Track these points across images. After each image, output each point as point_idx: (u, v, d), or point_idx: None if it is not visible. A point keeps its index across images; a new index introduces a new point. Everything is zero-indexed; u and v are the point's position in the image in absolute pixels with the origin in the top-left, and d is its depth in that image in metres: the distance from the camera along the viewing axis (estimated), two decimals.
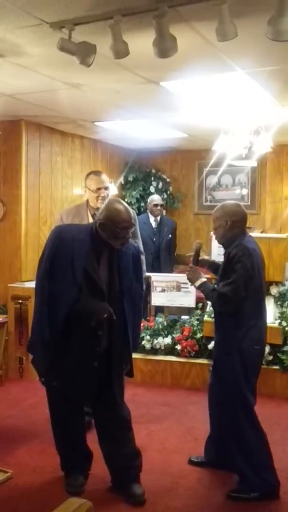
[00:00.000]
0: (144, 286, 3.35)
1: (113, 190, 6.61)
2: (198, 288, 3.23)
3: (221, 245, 3.27)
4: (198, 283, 3.19)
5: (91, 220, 3.84)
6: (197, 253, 3.32)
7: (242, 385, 3.02)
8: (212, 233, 3.31)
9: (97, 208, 3.83)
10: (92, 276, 2.82)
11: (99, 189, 3.78)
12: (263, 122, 5.22)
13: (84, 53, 2.78)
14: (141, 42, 2.90)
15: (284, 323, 4.76)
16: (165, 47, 2.60)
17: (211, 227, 7.38)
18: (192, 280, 3.24)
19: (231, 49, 3.16)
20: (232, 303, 2.99)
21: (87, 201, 3.93)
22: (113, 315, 2.80)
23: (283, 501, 3.02)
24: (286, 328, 4.77)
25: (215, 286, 3.17)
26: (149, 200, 6.71)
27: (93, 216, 3.81)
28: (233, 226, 3.11)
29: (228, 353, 3.04)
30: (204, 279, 3.20)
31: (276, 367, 4.67)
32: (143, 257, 4.09)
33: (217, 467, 3.28)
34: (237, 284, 2.95)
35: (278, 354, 4.68)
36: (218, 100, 4.52)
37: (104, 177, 3.92)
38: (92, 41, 2.81)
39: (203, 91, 4.21)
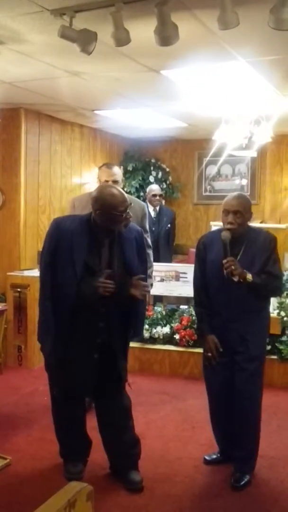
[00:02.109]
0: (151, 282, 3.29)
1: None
2: (252, 282, 2.93)
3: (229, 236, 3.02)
4: (250, 276, 2.93)
5: None
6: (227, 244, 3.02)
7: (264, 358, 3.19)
8: (229, 225, 3.01)
9: None
10: (93, 268, 2.82)
11: (106, 181, 3.77)
12: (263, 112, 5.21)
13: (85, 41, 2.77)
14: (143, 30, 2.88)
15: (282, 313, 4.78)
16: (166, 35, 2.59)
17: (210, 217, 7.32)
18: (243, 275, 2.93)
19: (233, 38, 3.14)
20: (281, 281, 3.21)
21: None
22: (108, 286, 2.76)
23: (280, 490, 3.05)
24: (285, 318, 4.79)
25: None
26: (148, 190, 6.70)
27: None
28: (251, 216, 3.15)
29: (262, 330, 3.16)
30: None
31: (274, 357, 4.70)
32: (150, 251, 4.08)
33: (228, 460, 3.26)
34: (280, 264, 3.14)
35: (277, 344, 4.71)
36: (218, 89, 4.50)
37: (116, 170, 3.92)
38: (93, 28, 2.79)
39: (204, 80, 4.20)
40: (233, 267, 2.92)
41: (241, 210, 2.98)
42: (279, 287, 3.19)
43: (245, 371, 3.04)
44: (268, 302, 3.28)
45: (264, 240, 3.07)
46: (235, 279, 2.94)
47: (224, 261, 2.94)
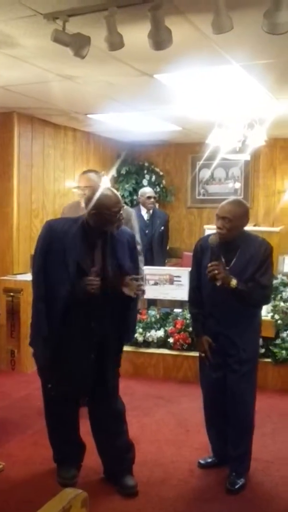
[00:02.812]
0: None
1: (105, 183, 6.61)
2: (236, 288, 2.91)
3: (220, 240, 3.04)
4: (235, 282, 2.91)
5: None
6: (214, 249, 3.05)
7: (257, 361, 3.19)
8: (217, 230, 3.03)
9: None
10: (85, 270, 2.82)
11: (78, 187, 4.06)
12: (257, 116, 5.23)
13: (78, 45, 2.76)
14: (136, 34, 2.88)
15: (276, 316, 4.79)
16: (160, 39, 2.58)
17: (204, 221, 7.35)
18: (227, 280, 2.92)
19: (226, 42, 3.15)
20: (271, 292, 3.17)
21: None
22: (93, 283, 2.76)
23: (274, 493, 3.04)
24: (279, 321, 4.80)
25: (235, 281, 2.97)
26: (140, 192, 6.66)
27: None
28: (246, 224, 3.10)
29: (254, 332, 3.16)
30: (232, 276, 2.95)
31: (268, 359, 4.70)
32: (141, 257, 4.13)
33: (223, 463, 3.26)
34: (272, 274, 3.12)
35: (270, 347, 4.71)
36: (212, 93, 4.51)
37: (89, 176, 4.07)
38: (87, 32, 2.79)
39: (197, 84, 4.20)
40: (216, 271, 2.92)
41: (229, 216, 2.96)
42: (266, 297, 3.10)
43: (236, 373, 3.06)
44: (260, 308, 3.25)
45: (259, 248, 3.04)
46: (218, 283, 2.94)
47: (209, 265, 2.96)
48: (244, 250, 3.04)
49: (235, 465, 3.12)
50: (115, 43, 2.66)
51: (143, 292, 2.92)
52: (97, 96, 4.74)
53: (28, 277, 4.71)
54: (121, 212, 2.86)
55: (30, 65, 3.74)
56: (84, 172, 4.21)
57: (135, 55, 3.40)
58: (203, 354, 3.16)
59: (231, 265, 3.03)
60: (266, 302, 3.20)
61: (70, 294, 2.77)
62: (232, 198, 3.14)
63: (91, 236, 2.87)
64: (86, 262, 2.85)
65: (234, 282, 2.92)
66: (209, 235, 3.21)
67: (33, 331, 2.95)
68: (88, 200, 2.83)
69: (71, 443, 3.16)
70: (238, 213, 2.99)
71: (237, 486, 3.04)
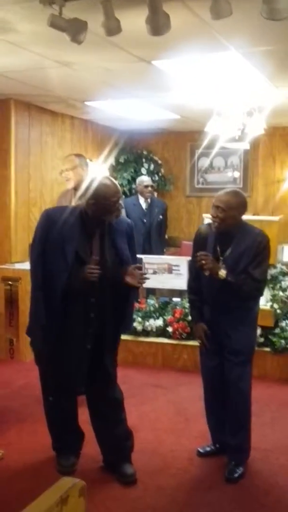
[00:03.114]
0: None
1: (103, 171, 6.57)
2: (225, 279, 2.92)
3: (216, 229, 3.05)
4: (223, 273, 2.92)
5: (73, 201, 3.94)
6: (206, 239, 3.11)
7: (251, 353, 3.17)
8: (211, 218, 3.04)
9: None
10: (84, 259, 2.81)
11: (62, 171, 4.21)
12: (256, 104, 5.18)
13: (75, 30, 2.72)
14: (134, 20, 2.84)
15: (275, 306, 4.79)
16: (158, 24, 2.54)
17: (203, 210, 7.32)
18: (214, 270, 2.93)
19: (225, 27, 3.10)
20: (264, 286, 3.10)
21: None
22: (93, 272, 2.75)
23: (273, 482, 3.05)
24: (278, 311, 4.79)
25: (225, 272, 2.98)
26: (138, 181, 6.62)
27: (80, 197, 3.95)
28: (242, 215, 3.08)
29: (248, 324, 3.13)
30: (223, 267, 2.96)
31: (267, 349, 4.71)
32: None
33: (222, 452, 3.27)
34: (266, 268, 3.09)
35: (269, 336, 4.72)
36: (211, 80, 4.47)
37: (69, 158, 4.28)
38: (84, 17, 2.74)
39: (195, 70, 4.16)
40: (203, 261, 2.93)
41: (222, 206, 2.95)
42: (257, 290, 3.06)
43: (229, 361, 3.08)
44: (256, 301, 3.22)
45: (254, 240, 3.01)
46: (206, 273, 2.97)
47: (197, 254, 2.97)
48: (239, 241, 3.02)
49: (234, 454, 3.13)
50: (113, 28, 2.62)
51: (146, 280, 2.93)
52: (94, 82, 4.69)
53: (26, 265, 4.69)
54: (120, 201, 2.85)
55: (26, 51, 3.70)
56: (68, 155, 4.33)
57: (132, 41, 3.35)
58: (199, 341, 3.20)
59: (225, 256, 3.02)
60: (258, 296, 3.14)
61: (68, 283, 2.76)
62: (229, 188, 3.13)
63: (89, 225, 2.86)
64: (85, 252, 2.83)
65: (222, 273, 2.92)
66: (209, 224, 3.20)
67: (31, 320, 2.94)
68: (87, 189, 2.81)
69: (69, 431, 3.17)
70: (233, 203, 2.97)
71: (236, 475, 3.05)
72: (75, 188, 4.13)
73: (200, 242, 3.15)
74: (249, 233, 3.05)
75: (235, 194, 3.04)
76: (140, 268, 2.89)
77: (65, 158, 4.34)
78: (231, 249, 3.03)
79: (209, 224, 3.17)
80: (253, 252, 2.98)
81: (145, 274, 2.92)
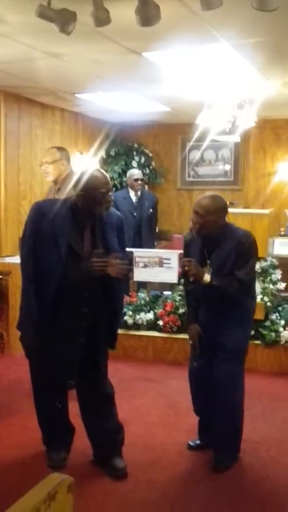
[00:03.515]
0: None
1: (94, 164, 6.53)
2: (210, 283, 2.93)
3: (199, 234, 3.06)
4: (208, 277, 2.93)
5: (54, 195, 3.95)
6: (189, 245, 3.14)
7: (244, 350, 3.17)
8: (191, 224, 3.07)
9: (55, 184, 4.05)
10: (77, 251, 2.79)
11: (41, 163, 4.15)
12: (247, 96, 5.16)
13: (64, 21, 2.69)
14: (124, 10, 2.81)
15: (266, 299, 4.80)
16: (147, 15, 2.52)
17: (193, 203, 7.31)
18: (198, 276, 2.96)
19: (216, 19, 3.08)
20: (249, 286, 3.10)
21: None
22: (102, 265, 2.74)
23: (264, 474, 3.06)
24: (268, 304, 4.80)
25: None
26: (128, 174, 6.58)
27: (58, 190, 3.97)
28: (223, 219, 3.07)
29: (242, 324, 3.12)
30: (206, 272, 2.98)
31: (258, 342, 4.72)
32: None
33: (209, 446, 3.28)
34: (252, 268, 3.09)
35: (260, 329, 4.73)
36: (201, 72, 4.44)
37: (49, 151, 4.21)
38: (72, 8, 2.71)
39: (186, 62, 4.14)
40: (186, 268, 2.97)
41: (200, 212, 2.96)
42: (242, 290, 3.02)
43: (221, 360, 3.08)
44: (250, 299, 3.20)
45: (238, 242, 3.00)
46: (191, 279, 3.03)
47: (182, 260, 3.02)
48: (224, 244, 3.03)
49: (221, 447, 3.14)
50: (101, 18, 2.59)
51: (129, 272, 2.90)
52: (84, 74, 4.65)
53: (17, 259, 4.65)
54: (110, 193, 2.83)
55: (15, 42, 3.65)
56: (50, 148, 4.28)
57: (122, 32, 3.32)
58: (191, 342, 3.21)
59: (212, 259, 3.04)
60: (243, 296, 3.10)
61: (62, 277, 2.73)
62: (209, 193, 3.10)
63: (80, 218, 2.83)
64: (77, 244, 2.81)
65: (207, 277, 2.95)
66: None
67: (22, 314, 2.91)
68: (77, 181, 2.79)
69: (60, 426, 3.15)
70: (212, 209, 2.97)
71: (222, 465, 3.06)
72: (55, 182, 4.10)
73: (186, 248, 3.20)
74: (234, 235, 3.04)
75: (214, 199, 3.02)
76: (121, 258, 2.84)
77: (47, 151, 4.25)
78: (216, 252, 3.04)
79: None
80: (238, 254, 2.99)
81: (124, 264, 2.84)
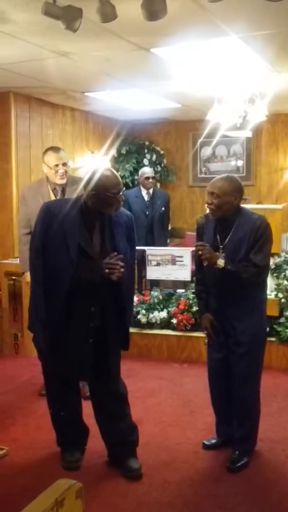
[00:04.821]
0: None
1: (105, 163, 6.52)
2: (225, 268, 2.87)
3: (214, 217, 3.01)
4: (222, 262, 2.86)
5: (52, 195, 3.88)
6: (203, 228, 3.06)
7: (260, 343, 3.12)
8: (207, 205, 3.02)
9: (60, 184, 3.89)
10: (87, 252, 2.77)
11: (56, 165, 3.84)
12: (257, 90, 5.09)
13: (70, 18, 2.66)
14: (130, 5, 2.77)
15: (280, 295, 4.73)
16: (154, 9, 2.48)
17: (206, 200, 7.26)
18: (212, 260, 2.89)
19: (223, 11, 3.03)
20: (266, 271, 3.05)
21: (47, 176, 3.96)
22: (116, 268, 2.70)
23: (280, 473, 3.02)
24: (282, 300, 4.74)
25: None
26: (140, 173, 6.55)
27: (53, 191, 3.89)
28: (239, 201, 3.01)
29: (254, 314, 3.05)
30: (221, 256, 2.91)
31: (273, 339, 4.65)
32: None
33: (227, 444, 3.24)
34: (268, 253, 3.00)
35: (275, 326, 4.66)
36: (211, 67, 4.39)
37: (63, 154, 3.96)
38: (78, 5, 2.68)
39: (195, 57, 4.09)
40: (200, 252, 2.90)
41: (217, 192, 2.90)
42: (257, 275, 2.95)
43: (235, 354, 3.03)
44: (262, 289, 3.13)
45: (253, 226, 2.93)
46: (204, 263, 2.95)
47: (194, 245, 2.95)
48: (238, 228, 2.96)
49: (238, 444, 3.11)
50: (107, 14, 2.55)
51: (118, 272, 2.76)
52: (93, 73, 4.63)
53: None
54: (121, 194, 2.79)
55: (22, 42, 3.64)
56: (55, 150, 3.99)
57: (130, 28, 3.29)
58: (205, 332, 3.16)
59: (225, 243, 2.97)
60: (259, 281, 3.03)
61: (73, 277, 2.71)
62: (225, 174, 3.06)
63: (89, 217, 2.80)
64: (87, 244, 2.79)
65: (221, 262, 2.87)
66: (206, 214, 3.14)
67: (31, 315, 2.90)
68: (88, 181, 2.75)
69: (73, 426, 3.13)
70: (228, 189, 2.92)
71: (238, 465, 3.02)
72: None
73: (199, 233, 3.08)
74: (248, 219, 2.98)
75: (229, 179, 2.98)
76: (121, 259, 2.75)
77: (60, 152, 3.94)
78: (230, 236, 2.97)
79: (206, 214, 3.12)
80: (252, 238, 2.92)
81: (115, 265, 2.73)
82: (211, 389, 3.26)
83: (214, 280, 3.03)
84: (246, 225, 2.95)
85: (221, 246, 2.98)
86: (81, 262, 2.72)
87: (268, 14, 3.12)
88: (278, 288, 4.77)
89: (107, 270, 2.70)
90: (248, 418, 3.12)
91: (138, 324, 5.06)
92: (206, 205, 2.99)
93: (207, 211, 3.04)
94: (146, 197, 6.40)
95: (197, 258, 3.13)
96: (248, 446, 3.14)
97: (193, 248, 3.25)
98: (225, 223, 2.99)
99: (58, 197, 3.84)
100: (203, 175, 7.60)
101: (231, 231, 2.97)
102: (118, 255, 2.74)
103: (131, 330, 4.88)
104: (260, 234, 2.93)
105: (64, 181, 3.89)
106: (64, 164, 3.86)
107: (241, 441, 3.11)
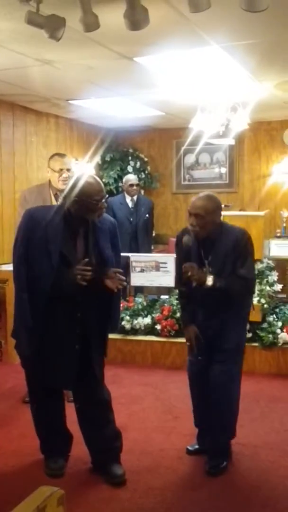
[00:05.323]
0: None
1: (89, 170, 6.53)
2: (214, 286, 2.87)
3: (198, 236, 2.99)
4: (211, 281, 2.87)
5: (53, 200, 3.87)
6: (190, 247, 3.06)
7: (241, 351, 3.14)
8: (191, 228, 2.97)
9: (61, 190, 3.85)
10: (69, 259, 2.77)
11: (61, 169, 3.86)
12: (239, 99, 5.17)
13: (53, 27, 2.69)
14: (113, 15, 2.81)
15: (262, 301, 4.78)
16: (136, 19, 2.52)
17: (190, 221, 7.35)
18: (201, 280, 2.90)
19: (205, 22, 3.08)
20: (254, 282, 3.09)
21: (49, 181, 3.97)
22: (86, 274, 2.71)
23: (263, 479, 3.04)
24: (265, 306, 4.79)
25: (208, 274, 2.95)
26: (124, 180, 6.58)
27: (55, 195, 3.87)
28: (220, 217, 3.03)
29: (239, 323, 3.10)
30: (210, 275, 2.92)
31: (256, 344, 4.70)
32: None
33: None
34: (253, 264, 3.06)
35: (257, 331, 4.71)
36: (194, 76, 4.45)
37: (68, 159, 4.00)
38: (62, 14, 2.71)
39: (178, 66, 4.14)
40: (189, 273, 2.90)
41: (201, 213, 2.89)
42: (247, 288, 3.02)
43: (218, 362, 3.05)
44: (246, 301, 3.17)
45: (235, 240, 2.96)
46: (193, 284, 2.95)
47: (183, 266, 2.94)
48: (221, 245, 2.98)
49: (215, 450, 3.13)
50: (90, 23, 2.59)
51: (125, 284, 2.88)
52: (77, 81, 4.65)
53: None
54: (103, 200, 2.81)
55: (6, 50, 3.65)
56: (60, 155, 4.03)
57: (113, 37, 3.33)
58: (187, 344, 3.16)
59: (210, 259, 2.98)
60: (249, 293, 3.10)
61: (54, 284, 2.71)
62: (202, 193, 3.04)
63: (73, 224, 2.82)
64: (70, 251, 2.80)
65: (209, 280, 2.89)
66: (185, 229, 3.13)
67: (16, 322, 2.89)
68: (71, 187, 2.77)
69: (57, 433, 3.13)
70: (210, 208, 2.92)
71: (217, 469, 3.04)
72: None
73: (183, 250, 3.09)
74: (229, 234, 3.00)
75: (210, 198, 2.97)
76: (121, 274, 2.84)
77: (64, 158, 3.98)
78: (213, 254, 2.98)
79: (184, 230, 3.12)
80: (236, 251, 2.95)
81: (124, 280, 2.85)
82: (192, 397, 3.28)
83: (200, 295, 3.02)
84: (228, 240, 2.97)
85: (206, 261, 2.98)
86: (61, 269, 2.73)
87: (250, 25, 3.17)
88: (261, 294, 4.82)
89: (79, 276, 2.71)
90: (228, 424, 3.13)
91: (122, 330, 5.07)
92: (190, 227, 2.95)
93: (189, 227, 3.01)
94: (130, 204, 6.42)
95: (179, 269, 3.14)
96: (226, 450, 3.16)
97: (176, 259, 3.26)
98: (207, 241, 3.00)
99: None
100: (186, 182, 7.66)
101: (215, 245, 2.99)
102: (86, 260, 2.75)
103: (116, 336, 4.92)
104: (242, 246, 2.96)
105: (65, 186, 3.93)
106: (68, 170, 3.89)
107: (220, 446, 3.13)
